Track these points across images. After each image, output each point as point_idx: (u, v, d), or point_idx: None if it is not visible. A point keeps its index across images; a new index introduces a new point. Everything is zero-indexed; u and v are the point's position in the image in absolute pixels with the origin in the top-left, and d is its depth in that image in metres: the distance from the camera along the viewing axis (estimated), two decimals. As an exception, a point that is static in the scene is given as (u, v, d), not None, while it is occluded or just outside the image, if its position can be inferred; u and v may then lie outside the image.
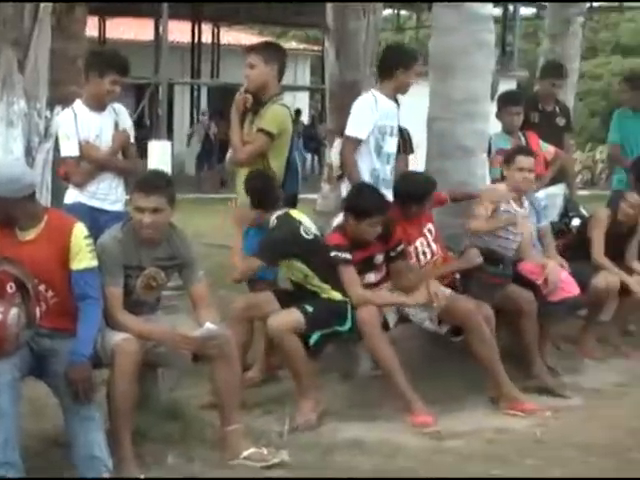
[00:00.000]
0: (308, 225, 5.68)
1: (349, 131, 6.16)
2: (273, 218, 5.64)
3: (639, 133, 8.52)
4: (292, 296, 5.62)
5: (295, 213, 5.74)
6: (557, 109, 8.21)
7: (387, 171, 6.26)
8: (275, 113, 5.98)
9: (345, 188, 6.28)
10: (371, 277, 5.73)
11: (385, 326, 5.59)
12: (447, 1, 6.53)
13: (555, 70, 8.21)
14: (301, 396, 5.37)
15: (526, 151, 6.61)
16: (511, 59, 21.03)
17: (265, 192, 5.70)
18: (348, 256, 5.50)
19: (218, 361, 4.62)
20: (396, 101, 6.39)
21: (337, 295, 5.51)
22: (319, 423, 5.33)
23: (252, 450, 4.69)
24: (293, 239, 5.54)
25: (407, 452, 4.99)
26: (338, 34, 8.41)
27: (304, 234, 5.56)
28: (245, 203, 5.92)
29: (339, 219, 5.75)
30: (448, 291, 5.72)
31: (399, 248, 5.76)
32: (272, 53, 6.10)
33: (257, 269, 5.60)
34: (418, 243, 5.99)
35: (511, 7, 22.06)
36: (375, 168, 6.16)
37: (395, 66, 6.21)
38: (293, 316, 5.31)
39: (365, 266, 5.67)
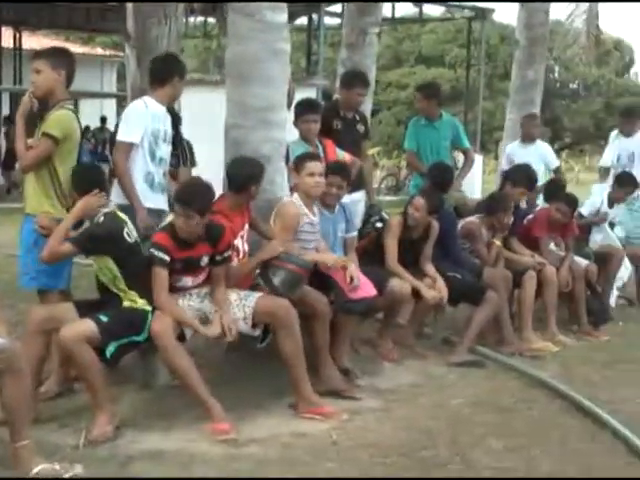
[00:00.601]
0: (131, 228, 5.62)
1: (121, 136, 6.11)
2: (100, 214, 5.56)
3: (433, 141, 8.85)
4: (93, 306, 5.50)
5: (122, 214, 5.65)
6: (357, 117, 8.38)
7: (161, 175, 6.27)
8: (59, 117, 5.87)
9: (115, 192, 6.20)
10: (188, 281, 5.70)
11: (182, 336, 5.55)
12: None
13: (361, 80, 8.37)
14: (97, 408, 5.27)
15: (315, 157, 6.68)
16: (316, 67, 21.32)
17: (95, 186, 5.63)
18: (165, 257, 5.48)
19: (5, 375, 4.46)
20: (172, 110, 6.39)
21: (140, 303, 5.45)
22: (116, 435, 5.24)
23: (43, 465, 4.57)
24: (114, 237, 5.47)
25: (204, 460, 4.97)
26: (139, 41, 8.31)
27: (126, 236, 5.50)
28: (37, 209, 5.81)
29: (169, 218, 5.71)
30: (255, 296, 5.74)
31: (226, 253, 5.76)
32: (60, 59, 5.99)
33: (67, 254, 5.55)
34: (239, 236, 6.06)
35: (315, 16, 22.43)
36: (150, 171, 6.14)
37: (171, 74, 6.26)
38: (85, 327, 5.20)
39: (188, 266, 5.65)
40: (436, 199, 7.27)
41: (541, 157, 9.97)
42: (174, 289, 5.62)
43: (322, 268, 6.36)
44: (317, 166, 6.42)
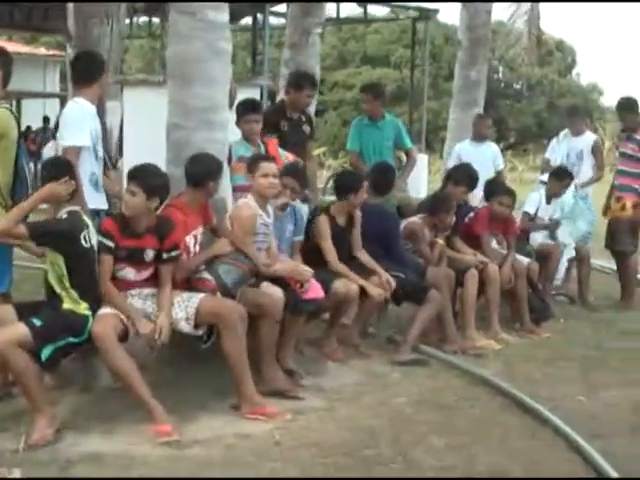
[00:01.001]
0: (92, 233, 5.51)
1: (71, 141, 6.01)
2: (64, 211, 5.46)
3: (376, 141, 8.91)
4: (33, 309, 5.41)
5: (86, 217, 5.56)
6: (303, 117, 8.41)
7: (101, 173, 6.24)
8: None
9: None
10: (130, 272, 5.67)
11: (123, 337, 5.51)
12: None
13: (310, 82, 8.39)
14: (36, 412, 5.19)
15: (268, 157, 6.72)
16: (261, 67, 21.26)
17: (65, 174, 5.48)
18: (109, 243, 5.50)
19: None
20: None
21: (81, 307, 5.37)
22: (56, 438, 5.18)
23: (-19, 471, 4.53)
24: (69, 237, 5.36)
25: (145, 462, 4.93)
26: (80, 41, 8.26)
27: (83, 240, 5.38)
28: None
29: None
30: (199, 297, 5.72)
31: (173, 252, 5.75)
32: None
33: (18, 237, 5.40)
34: (192, 235, 6.04)
35: (261, 16, 22.35)
36: (94, 172, 6.11)
37: (99, 73, 6.25)
38: (18, 331, 5.12)
39: (132, 257, 5.64)
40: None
41: (490, 157, 10.08)
42: (116, 280, 5.61)
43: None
44: (271, 167, 6.43)
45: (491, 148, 10.31)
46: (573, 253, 9.48)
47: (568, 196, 9.45)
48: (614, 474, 4.88)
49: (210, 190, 6.15)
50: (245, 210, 6.34)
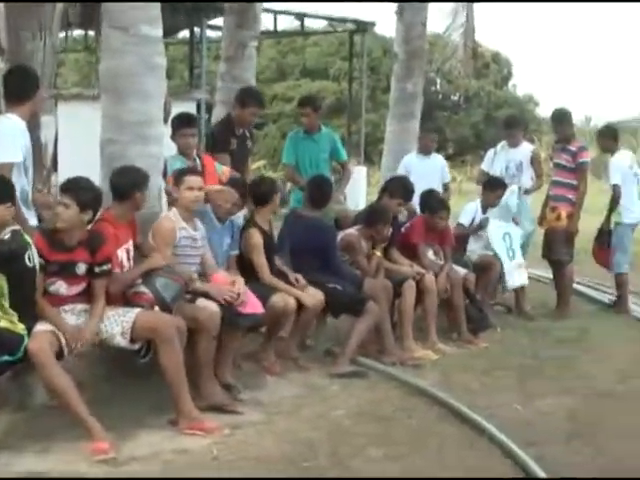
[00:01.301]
0: (34, 252, 5.41)
1: (4, 157, 5.87)
2: (8, 230, 5.36)
3: (312, 154, 8.92)
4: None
5: (27, 237, 5.46)
6: (247, 133, 8.42)
7: (30, 191, 6.18)
8: None
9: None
10: (62, 286, 5.60)
11: (60, 355, 5.45)
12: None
13: (255, 99, 8.35)
14: (-31, 432, 5.15)
15: (194, 171, 6.74)
16: (199, 81, 21.25)
17: (8, 200, 5.41)
18: (40, 260, 5.43)
19: None
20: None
21: (18, 327, 5.29)
22: (-10, 458, 5.12)
23: None
24: (14, 258, 5.27)
25: (82, 481, 4.90)
26: (13, 55, 8.16)
27: (27, 260, 5.30)
28: None
29: None
30: (135, 312, 5.69)
31: (105, 266, 5.70)
32: None
33: None
34: (124, 249, 6.02)
35: (197, 29, 22.36)
36: (24, 189, 6.03)
37: (32, 90, 6.16)
38: (-52, 350, 5.06)
39: (64, 270, 5.58)
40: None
41: (439, 170, 10.14)
42: (49, 295, 5.56)
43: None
44: (196, 180, 6.43)
45: (438, 160, 10.36)
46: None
47: (512, 197, 9.53)
48: (542, 474, 4.98)
49: (137, 202, 6.13)
50: (165, 222, 6.38)
